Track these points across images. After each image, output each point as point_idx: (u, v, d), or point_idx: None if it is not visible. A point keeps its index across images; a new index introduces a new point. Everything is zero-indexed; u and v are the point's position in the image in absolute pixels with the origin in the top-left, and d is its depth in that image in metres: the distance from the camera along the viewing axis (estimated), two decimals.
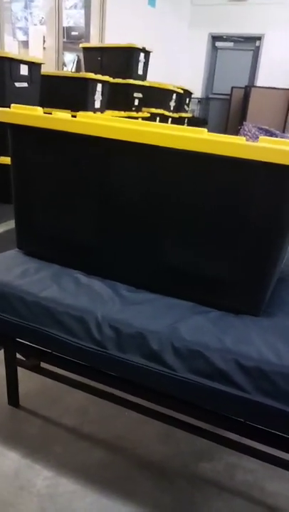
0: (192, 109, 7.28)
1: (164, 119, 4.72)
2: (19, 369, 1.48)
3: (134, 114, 4.10)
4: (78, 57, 5.07)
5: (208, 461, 1.37)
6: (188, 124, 5.66)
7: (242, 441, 1.16)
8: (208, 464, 1.36)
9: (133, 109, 4.11)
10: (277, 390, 0.90)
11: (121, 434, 1.44)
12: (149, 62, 4.40)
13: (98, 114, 3.51)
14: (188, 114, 5.70)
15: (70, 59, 5.24)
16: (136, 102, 4.14)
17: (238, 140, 0.96)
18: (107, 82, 3.54)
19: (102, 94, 3.52)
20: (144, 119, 4.29)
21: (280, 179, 0.95)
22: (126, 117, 3.91)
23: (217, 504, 1.23)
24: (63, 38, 4.58)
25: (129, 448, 1.39)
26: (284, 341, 0.97)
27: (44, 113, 1.18)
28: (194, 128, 1.04)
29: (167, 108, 4.80)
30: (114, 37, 5.01)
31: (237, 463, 1.37)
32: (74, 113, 1.26)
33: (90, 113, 3.28)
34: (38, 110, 1.19)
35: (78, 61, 5.11)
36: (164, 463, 1.35)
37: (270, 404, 0.90)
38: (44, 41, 4.60)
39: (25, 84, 2.77)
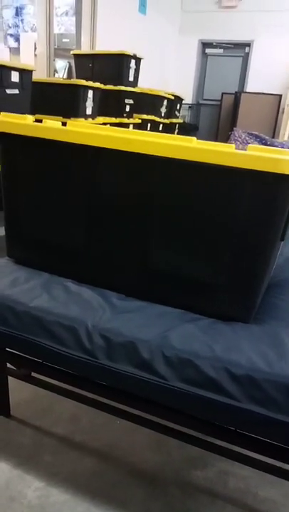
0: (183, 115, 7.32)
1: (155, 125, 4.73)
2: (10, 378, 1.47)
3: (125, 120, 4.11)
4: (69, 64, 5.08)
5: (201, 468, 1.37)
6: (179, 130, 5.69)
7: (234, 448, 1.16)
8: (200, 472, 1.35)
9: (124, 115, 4.12)
10: (268, 398, 0.90)
11: (112, 443, 1.43)
12: (140, 69, 4.42)
13: (90, 120, 3.52)
14: (179, 120, 5.72)
15: (62, 66, 5.25)
16: (127, 109, 4.15)
17: (227, 148, 0.96)
18: (99, 88, 3.54)
19: (94, 101, 3.53)
20: (135, 125, 4.30)
21: (269, 187, 0.95)
22: (117, 123, 3.92)
23: None
24: (54, 44, 4.59)
25: (120, 456, 1.38)
26: (274, 349, 0.97)
27: (35, 120, 1.18)
28: (183, 136, 1.04)
29: (158, 114, 4.82)
30: (105, 44, 5.03)
31: (229, 470, 1.37)
32: (65, 120, 1.26)
33: (81, 120, 3.28)
34: (28, 118, 1.19)
35: (69, 68, 5.12)
36: (156, 471, 1.34)
37: (261, 413, 0.90)
38: (35, 48, 4.61)
39: (16, 91, 2.77)
